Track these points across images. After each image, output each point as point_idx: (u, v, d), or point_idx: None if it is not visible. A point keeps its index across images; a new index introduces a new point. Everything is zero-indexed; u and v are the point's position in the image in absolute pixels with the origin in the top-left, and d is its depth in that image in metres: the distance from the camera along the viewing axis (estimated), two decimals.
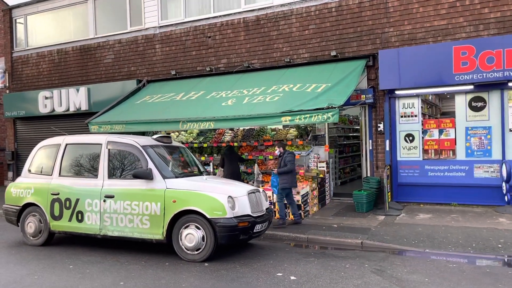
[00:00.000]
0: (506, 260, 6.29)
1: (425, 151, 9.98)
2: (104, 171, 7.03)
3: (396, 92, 10.03)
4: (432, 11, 9.69)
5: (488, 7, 9.16)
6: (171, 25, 13.22)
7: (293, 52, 11.37)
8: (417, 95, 10.00)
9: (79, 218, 7.05)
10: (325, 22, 10.94)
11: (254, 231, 6.58)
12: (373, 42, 10.34)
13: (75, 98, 14.50)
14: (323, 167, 10.51)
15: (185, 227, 6.39)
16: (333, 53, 10.65)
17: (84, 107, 14.30)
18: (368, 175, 10.45)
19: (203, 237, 6.29)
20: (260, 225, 6.70)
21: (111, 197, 6.81)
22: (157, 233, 6.51)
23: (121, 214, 6.72)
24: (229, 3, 12.52)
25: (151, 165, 6.72)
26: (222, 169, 10.41)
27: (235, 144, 11.37)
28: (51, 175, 7.49)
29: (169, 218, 6.42)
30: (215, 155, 11.92)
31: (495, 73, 8.79)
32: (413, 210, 9.43)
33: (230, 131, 11.96)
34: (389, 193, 9.55)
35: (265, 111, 9.11)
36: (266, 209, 7.15)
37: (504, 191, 8.89)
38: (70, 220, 7.12)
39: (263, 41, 11.79)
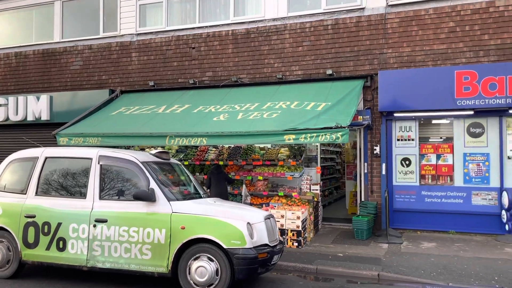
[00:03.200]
0: None
1: (422, 176, 9.72)
2: (94, 190, 5.98)
3: (395, 114, 9.75)
4: (432, 35, 9.60)
5: (488, 33, 9.18)
6: (151, 33, 12.31)
7: (285, 68, 10.85)
8: (415, 118, 9.78)
9: (61, 246, 5.91)
10: (320, 40, 10.55)
11: (272, 263, 5.80)
12: (370, 63, 10.06)
13: (34, 107, 13.00)
14: (317, 189, 9.93)
15: (195, 259, 5.48)
16: (329, 71, 10.26)
17: (45, 116, 12.84)
18: (363, 199, 10.01)
19: (217, 270, 5.41)
20: (277, 256, 5.93)
21: (103, 221, 5.77)
22: (161, 265, 5.54)
23: (116, 242, 5.69)
24: (217, 14, 11.86)
25: (153, 184, 5.78)
26: (208, 190, 9.55)
27: (221, 162, 10.55)
28: (26, 194, 6.29)
29: (176, 248, 5.49)
30: (197, 174, 11.02)
31: (498, 100, 8.74)
32: (413, 238, 9.04)
33: (214, 149, 11.14)
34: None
35: (264, 128, 8.44)
36: None
37: (505, 220, 8.75)
38: (48, 248, 5.96)
39: (253, 56, 11.19)
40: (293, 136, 8.02)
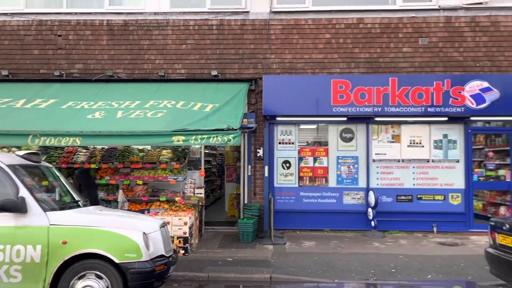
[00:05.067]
0: (411, 284, 6.61)
1: (300, 178, 10.17)
2: None
3: (277, 118, 10.02)
4: (311, 44, 10.13)
5: (359, 47, 10.07)
6: (5, 14, 10.48)
7: (168, 66, 10.29)
8: (295, 123, 10.19)
9: None
10: (205, 39, 10.28)
11: (168, 275, 5.30)
12: (254, 67, 10.17)
13: None
14: (201, 193, 9.61)
15: (80, 277, 4.68)
16: (214, 72, 10.05)
17: None
18: (246, 201, 10.03)
19: None
20: (173, 266, 5.46)
21: None
22: None
23: None
24: (88, 1, 10.68)
25: (23, 192, 4.77)
26: None
27: (93, 165, 9.48)
28: None
29: (55, 267, 4.62)
30: None
31: (366, 108, 9.63)
32: (294, 238, 9.37)
33: (84, 150, 9.96)
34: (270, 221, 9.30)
35: (150, 128, 7.82)
36: None
37: (371, 217, 9.66)
38: None
39: (131, 50, 10.35)
40: (183, 138, 7.59)
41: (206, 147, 11.59)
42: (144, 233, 4.96)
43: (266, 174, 10.01)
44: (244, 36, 10.25)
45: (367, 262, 7.51)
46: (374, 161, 10.08)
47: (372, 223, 9.62)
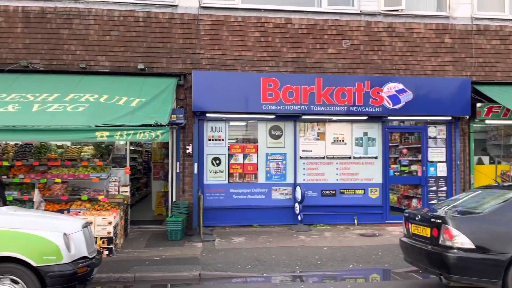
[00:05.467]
0: (334, 274, 6.92)
1: (230, 175, 10.20)
2: None
3: (207, 115, 9.95)
4: (240, 42, 10.19)
5: (287, 47, 10.32)
6: None
7: (90, 57, 9.76)
8: (225, 120, 10.19)
9: None
10: (130, 31, 9.90)
11: (91, 277, 5.04)
12: (183, 62, 9.99)
13: None
14: (127, 191, 9.25)
15: None
16: (140, 66, 9.72)
17: None
18: (174, 199, 9.85)
19: None
20: (97, 268, 5.19)
21: None
22: None
23: None
24: None
25: None
26: None
27: (5, 163, 8.74)
28: None
29: None
30: None
31: (294, 106, 9.91)
32: (224, 234, 9.38)
33: None
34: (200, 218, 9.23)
35: (71, 122, 7.38)
36: None
37: (298, 211, 9.97)
38: None
39: (49, 39, 9.67)
40: (107, 133, 7.25)
41: (131, 143, 11.19)
42: (64, 234, 4.66)
43: (196, 171, 9.91)
44: (172, 30, 10.03)
45: (294, 255, 7.74)
46: (301, 157, 10.41)
47: (299, 217, 9.94)
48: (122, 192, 9.16)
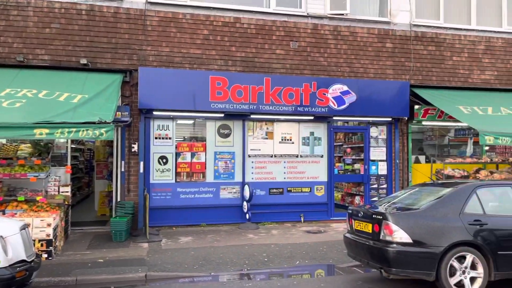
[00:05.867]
0: (281, 271, 7.05)
1: (178, 174, 10.07)
2: None
3: (154, 112, 9.75)
4: (189, 39, 10.08)
5: (235, 46, 10.34)
6: None
7: (28, 50, 9.23)
8: (173, 118, 10.04)
9: None
10: (72, 24, 9.48)
11: (30, 281, 4.79)
12: (129, 58, 9.72)
13: None
14: (67, 191, 8.85)
15: None
16: (83, 61, 9.34)
17: None
18: (119, 199, 9.56)
19: None
20: (36, 272, 4.94)
21: None
22: None
23: None
24: None
25: None
26: None
27: None
28: None
29: None
30: None
31: (243, 105, 9.96)
32: (171, 234, 9.25)
33: None
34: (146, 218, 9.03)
35: (6, 119, 6.96)
36: None
37: (246, 210, 10.04)
38: None
39: None
40: (46, 131, 6.93)
41: (72, 141, 10.70)
42: (1, 236, 4.40)
43: (142, 170, 9.69)
44: (118, 25, 9.72)
45: (242, 253, 7.79)
46: (249, 156, 10.49)
47: (247, 216, 10.01)
48: (62, 192, 8.74)
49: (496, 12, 12.13)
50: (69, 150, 9.45)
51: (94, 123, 7.16)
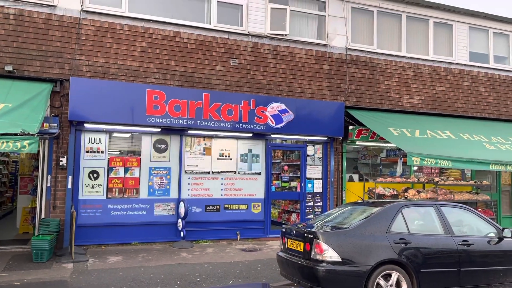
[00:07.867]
0: None
1: (109, 190, 9.62)
2: None
3: (85, 125, 9.30)
4: (126, 51, 9.79)
5: (175, 60, 10.19)
6: None
7: None
8: (106, 131, 9.62)
9: None
10: None
11: None
12: (61, 67, 9.24)
13: None
14: None
15: None
16: (8, 67, 8.75)
17: None
18: (43, 216, 8.93)
19: None
20: None
21: None
22: None
23: None
24: None
25: None
26: None
27: None
28: None
29: None
30: None
31: (180, 120, 9.78)
32: (99, 253, 8.76)
33: None
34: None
35: None
36: None
37: (180, 227, 9.78)
38: None
39: None
40: None
41: None
42: None
43: (70, 185, 9.15)
44: (49, 32, 9.24)
45: (174, 273, 7.54)
46: (186, 172, 10.28)
47: (182, 234, 9.75)
48: None
49: (424, 41, 13.01)
50: None
51: (16, 134, 6.66)
